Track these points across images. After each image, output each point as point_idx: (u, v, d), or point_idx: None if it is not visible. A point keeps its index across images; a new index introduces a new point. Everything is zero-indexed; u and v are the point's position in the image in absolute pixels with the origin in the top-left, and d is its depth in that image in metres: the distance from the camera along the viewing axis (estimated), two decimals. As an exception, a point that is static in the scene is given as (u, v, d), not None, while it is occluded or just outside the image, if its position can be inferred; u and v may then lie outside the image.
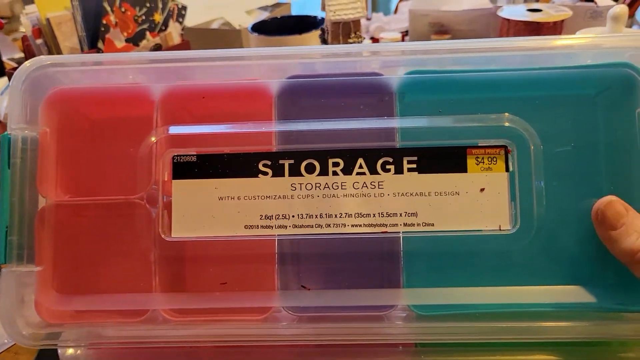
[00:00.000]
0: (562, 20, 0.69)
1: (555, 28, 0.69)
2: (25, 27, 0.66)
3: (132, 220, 0.28)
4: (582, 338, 0.26)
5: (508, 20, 0.70)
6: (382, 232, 0.27)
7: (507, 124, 0.27)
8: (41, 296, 0.28)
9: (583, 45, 0.27)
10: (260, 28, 0.70)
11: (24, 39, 0.69)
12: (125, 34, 0.67)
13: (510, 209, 0.26)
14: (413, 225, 0.27)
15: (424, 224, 0.27)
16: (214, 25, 0.85)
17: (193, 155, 0.28)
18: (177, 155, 0.28)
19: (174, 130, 0.29)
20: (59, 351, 0.31)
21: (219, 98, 0.29)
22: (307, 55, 0.28)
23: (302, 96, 0.28)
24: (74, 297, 0.29)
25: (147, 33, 0.69)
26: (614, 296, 0.26)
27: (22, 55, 0.84)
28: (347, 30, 0.53)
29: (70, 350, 0.31)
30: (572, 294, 0.26)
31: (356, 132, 0.27)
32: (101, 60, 0.30)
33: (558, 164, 0.27)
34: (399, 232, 0.27)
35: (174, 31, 0.72)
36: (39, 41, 0.66)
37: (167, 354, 0.30)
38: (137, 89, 0.30)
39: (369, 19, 1.01)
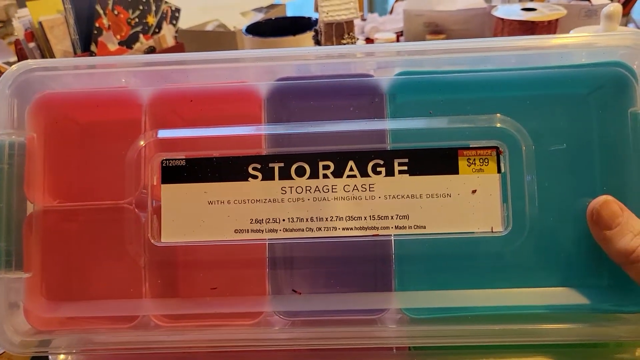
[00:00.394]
0: (557, 19, 0.69)
1: (549, 27, 0.69)
2: (17, 31, 0.66)
3: (121, 225, 0.28)
4: (577, 340, 0.26)
5: (502, 19, 0.70)
6: (374, 235, 0.26)
7: (498, 125, 0.26)
8: (30, 303, 0.28)
9: (576, 45, 0.27)
10: (255, 30, 0.70)
11: (17, 42, 0.68)
12: (118, 36, 0.67)
13: (502, 211, 0.26)
14: (404, 227, 0.26)
15: (415, 227, 0.26)
16: (209, 28, 0.85)
17: (182, 159, 0.28)
18: (166, 160, 0.28)
19: (163, 133, 0.28)
20: (50, 358, 0.31)
21: (208, 101, 0.29)
22: (298, 57, 0.28)
23: (292, 98, 0.28)
24: (63, 304, 0.29)
25: (141, 35, 0.69)
26: (608, 297, 0.26)
27: (17, 59, 0.83)
28: (340, 31, 0.52)
29: (62, 357, 0.31)
30: (566, 295, 0.26)
31: (346, 134, 0.27)
32: (88, 64, 0.29)
33: (550, 164, 0.26)
34: (391, 234, 0.26)
35: (167, 33, 0.72)
36: (32, 45, 0.65)
37: (159, 358, 0.30)
38: (124, 93, 0.29)
39: (364, 20, 1.01)
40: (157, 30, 0.71)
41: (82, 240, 0.29)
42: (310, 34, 0.62)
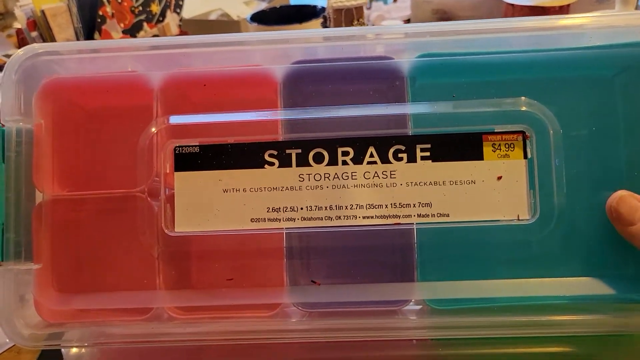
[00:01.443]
0: (568, 5, 0.67)
1: (561, 12, 0.67)
2: (19, 20, 0.65)
3: (133, 214, 0.27)
4: (602, 331, 0.25)
5: (512, 5, 0.69)
6: (395, 224, 0.26)
7: (524, 109, 0.25)
8: (41, 295, 0.27)
9: (600, 24, 0.26)
10: (260, 18, 0.69)
11: (19, 32, 0.67)
12: (122, 25, 0.66)
13: (529, 198, 0.25)
14: (427, 216, 0.25)
15: (438, 215, 0.25)
16: (212, 17, 0.83)
17: (195, 145, 0.27)
18: (179, 146, 0.27)
19: (175, 120, 0.27)
20: (62, 351, 0.30)
21: (221, 85, 0.28)
22: (313, 38, 0.27)
23: (309, 82, 0.27)
24: (74, 296, 0.28)
25: (145, 24, 0.68)
26: (635, 287, 0.25)
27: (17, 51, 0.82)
28: (349, 17, 0.51)
29: (74, 350, 0.30)
30: (593, 285, 0.25)
31: (366, 119, 0.26)
32: (97, 48, 0.28)
33: (579, 149, 0.25)
34: (413, 223, 0.26)
35: (171, 22, 0.71)
36: (34, 34, 0.64)
37: (174, 351, 0.29)
38: (135, 77, 0.28)
39: (368, 8, 0.99)
40: (161, 18, 0.70)
41: (93, 230, 0.28)
42: (317, 22, 0.61)
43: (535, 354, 0.28)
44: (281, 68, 0.27)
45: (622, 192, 0.24)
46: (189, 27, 0.76)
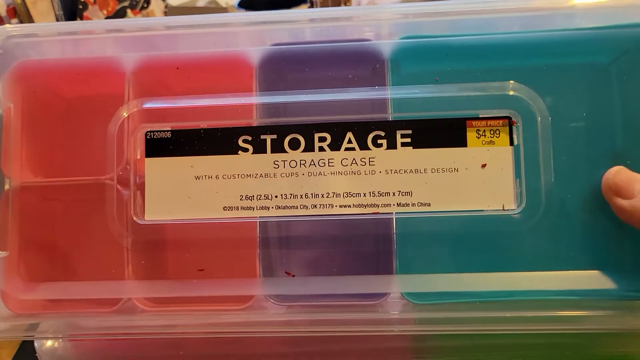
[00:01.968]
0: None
1: None
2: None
3: (102, 202, 0.26)
4: (596, 329, 0.24)
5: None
6: (374, 213, 0.24)
7: (511, 93, 0.24)
8: (7, 284, 0.26)
9: (596, 4, 0.25)
10: (248, 4, 0.67)
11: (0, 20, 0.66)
12: (105, 11, 0.64)
13: (514, 187, 0.24)
14: (407, 205, 0.24)
15: (419, 204, 0.24)
16: (200, 4, 0.82)
17: (167, 130, 0.26)
18: (150, 131, 0.26)
19: (147, 104, 0.26)
20: (36, 344, 0.29)
21: (196, 69, 0.27)
22: (291, 20, 0.26)
23: (286, 66, 0.26)
24: (42, 285, 0.27)
25: (129, 11, 0.67)
26: (632, 282, 0.24)
27: None
28: (336, 2, 0.50)
29: (49, 343, 0.29)
30: (585, 280, 0.24)
31: (345, 103, 0.25)
32: (75, 30, 0.27)
33: (568, 137, 0.24)
34: (392, 212, 0.24)
35: (156, 9, 0.70)
36: (14, 21, 0.63)
37: (149, 343, 0.29)
38: (107, 61, 0.27)
39: (362, -3, 0.98)
40: (145, 5, 0.68)
41: (62, 218, 0.27)
42: (304, 7, 0.60)
43: (525, 344, 0.27)
44: (257, 51, 0.26)
45: (618, 167, 0.24)
46: (175, 14, 0.75)
